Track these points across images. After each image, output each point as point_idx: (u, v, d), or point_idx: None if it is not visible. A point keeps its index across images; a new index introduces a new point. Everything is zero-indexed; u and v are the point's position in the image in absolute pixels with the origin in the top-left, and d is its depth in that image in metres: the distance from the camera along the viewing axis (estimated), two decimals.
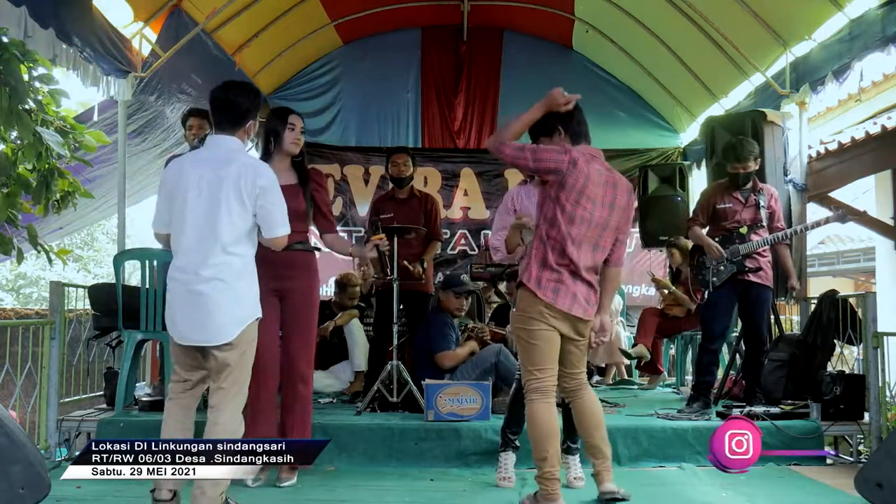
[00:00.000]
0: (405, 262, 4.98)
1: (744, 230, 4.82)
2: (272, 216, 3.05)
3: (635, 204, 3.41)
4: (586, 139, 3.33)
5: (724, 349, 6.36)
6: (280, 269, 3.62)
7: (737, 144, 4.91)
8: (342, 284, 6.08)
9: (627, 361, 6.92)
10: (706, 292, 4.97)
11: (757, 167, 4.90)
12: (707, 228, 4.99)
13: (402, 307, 5.03)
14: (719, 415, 4.65)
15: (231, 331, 2.96)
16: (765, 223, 4.85)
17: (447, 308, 5.07)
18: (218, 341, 2.96)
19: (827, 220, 4.97)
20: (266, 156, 3.74)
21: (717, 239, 4.88)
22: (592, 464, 3.37)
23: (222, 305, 2.95)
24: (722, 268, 4.83)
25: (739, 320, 5.20)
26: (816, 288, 6.58)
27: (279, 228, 3.07)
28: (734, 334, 5.71)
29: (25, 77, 4.08)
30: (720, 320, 4.92)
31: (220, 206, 2.98)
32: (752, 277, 4.80)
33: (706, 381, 4.92)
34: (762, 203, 4.85)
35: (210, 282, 2.95)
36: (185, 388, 3.11)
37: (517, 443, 3.85)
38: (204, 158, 3.10)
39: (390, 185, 5.46)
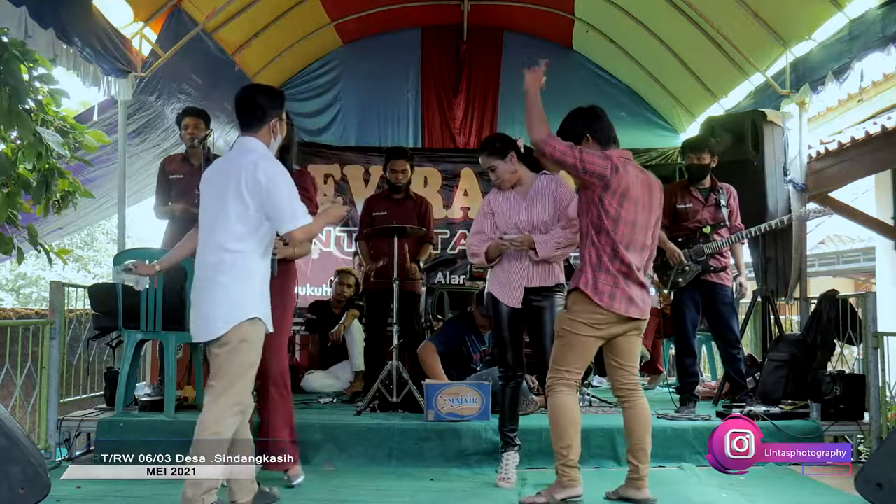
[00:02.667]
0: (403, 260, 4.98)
1: (707, 230, 4.84)
2: (277, 212, 2.98)
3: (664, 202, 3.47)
4: (615, 143, 3.36)
5: (715, 349, 6.37)
6: None
7: (695, 138, 4.98)
8: (340, 272, 6.12)
9: None
10: (671, 293, 4.98)
11: (713, 164, 4.90)
12: (667, 230, 4.97)
13: (392, 307, 5.02)
14: (719, 415, 4.65)
15: (217, 328, 2.94)
16: (727, 222, 4.85)
17: (475, 319, 5.04)
18: (204, 338, 2.98)
19: (791, 220, 4.99)
20: None
21: (680, 239, 4.88)
22: (634, 467, 3.40)
23: (212, 302, 2.96)
24: (687, 268, 4.83)
25: (707, 321, 5.19)
26: (816, 288, 6.57)
27: (286, 223, 2.98)
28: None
29: (25, 77, 4.07)
30: (691, 319, 4.93)
31: (222, 206, 2.99)
32: (714, 278, 4.83)
33: (691, 382, 4.95)
34: (722, 202, 4.86)
35: (205, 279, 2.99)
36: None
37: (517, 441, 3.85)
38: (226, 159, 3.15)
39: (387, 185, 5.46)
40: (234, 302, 2.97)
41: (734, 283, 4.97)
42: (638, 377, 3.49)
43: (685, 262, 4.81)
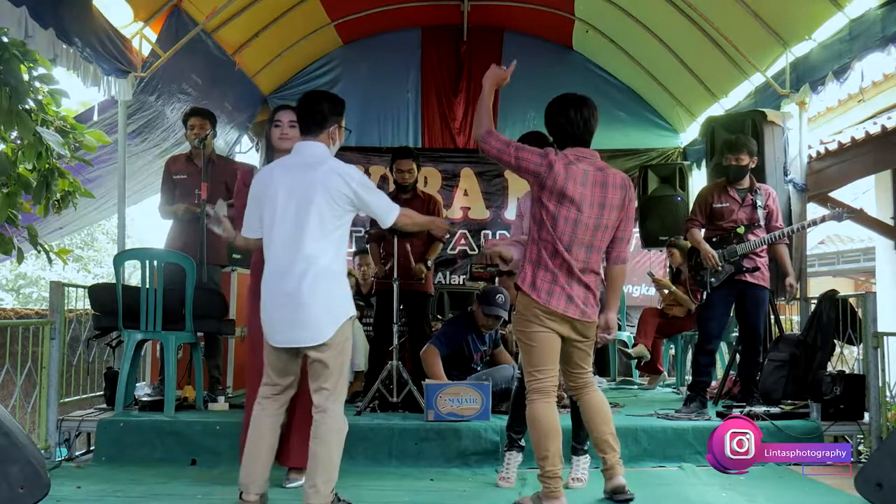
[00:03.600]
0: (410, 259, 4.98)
1: (741, 230, 4.82)
2: (377, 209, 3.18)
3: (635, 201, 3.40)
4: (579, 141, 3.28)
5: (724, 349, 6.38)
6: None
7: (733, 138, 4.96)
8: None
9: None
10: (704, 293, 4.97)
11: (752, 164, 4.89)
12: (704, 229, 4.98)
13: (401, 307, 5.02)
14: (719, 415, 4.65)
15: (327, 331, 3.02)
16: (762, 223, 4.85)
17: (477, 319, 5.04)
18: (314, 341, 3.02)
19: (823, 219, 4.98)
20: (269, 154, 3.74)
21: (714, 238, 4.88)
22: (602, 459, 3.37)
23: (316, 306, 3.02)
24: (720, 268, 4.82)
25: (737, 321, 5.19)
26: (816, 288, 6.57)
27: (388, 216, 3.20)
28: (734, 334, 5.71)
29: (25, 77, 4.08)
30: (718, 321, 4.92)
31: (309, 210, 3.04)
32: (749, 278, 4.79)
33: (703, 382, 4.92)
34: (759, 203, 4.85)
35: (303, 283, 3.01)
36: (273, 391, 3.17)
37: (522, 442, 3.85)
38: (293, 164, 3.18)
39: (392, 185, 5.45)
40: (336, 303, 3.07)
41: (785, 283, 4.93)
42: (590, 375, 3.41)
43: (719, 263, 4.80)
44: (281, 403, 3.20)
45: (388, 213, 3.20)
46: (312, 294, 3.01)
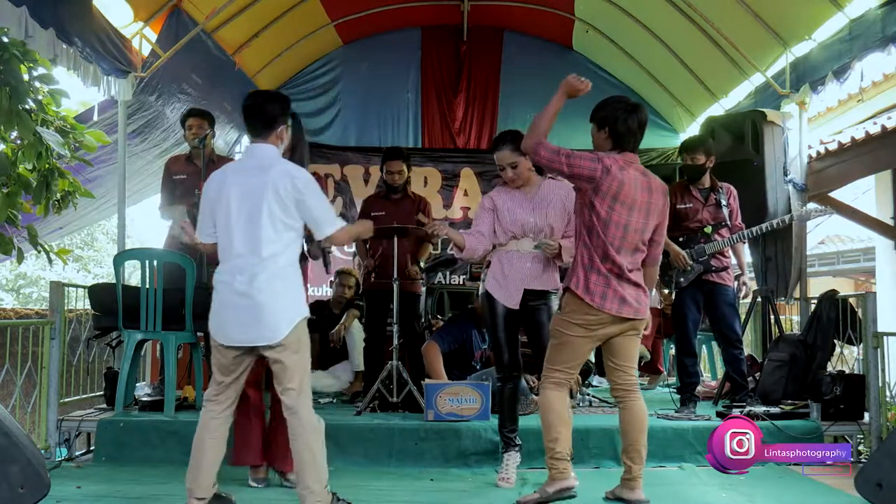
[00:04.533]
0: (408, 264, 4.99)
1: (708, 230, 4.86)
2: (317, 216, 3.12)
3: (668, 205, 3.47)
4: (629, 147, 3.33)
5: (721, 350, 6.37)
6: None
7: (690, 139, 5.01)
8: (340, 272, 6.12)
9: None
10: (673, 293, 4.99)
11: (710, 164, 4.91)
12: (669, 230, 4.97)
13: (391, 307, 5.02)
14: (719, 415, 4.65)
15: (280, 330, 3.03)
16: (728, 222, 4.87)
17: (479, 313, 5.05)
18: (269, 341, 3.03)
19: (792, 219, 5.02)
20: None
21: (681, 239, 4.89)
22: (628, 467, 3.39)
23: (269, 306, 3.02)
24: (689, 268, 4.84)
25: (710, 323, 5.19)
26: (816, 288, 6.57)
27: (326, 227, 3.13)
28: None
29: (25, 77, 4.08)
30: (692, 319, 4.93)
31: (261, 212, 3.04)
32: (715, 278, 4.84)
33: (692, 382, 4.95)
34: (723, 202, 4.87)
35: (256, 284, 3.02)
36: (215, 392, 3.18)
37: (518, 441, 3.85)
38: (245, 167, 3.19)
39: (384, 185, 5.45)
40: (290, 303, 3.08)
41: (737, 283, 4.97)
42: (636, 377, 3.49)
43: (689, 263, 4.81)
44: (225, 405, 3.17)
45: (329, 224, 3.14)
46: (266, 294, 3.02)
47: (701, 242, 4.85)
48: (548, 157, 3.25)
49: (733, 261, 5.01)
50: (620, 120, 3.30)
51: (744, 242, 5.04)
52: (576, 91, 3.30)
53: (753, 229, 4.93)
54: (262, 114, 3.18)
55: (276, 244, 3.05)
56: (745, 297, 5.29)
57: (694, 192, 4.91)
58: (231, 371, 3.14)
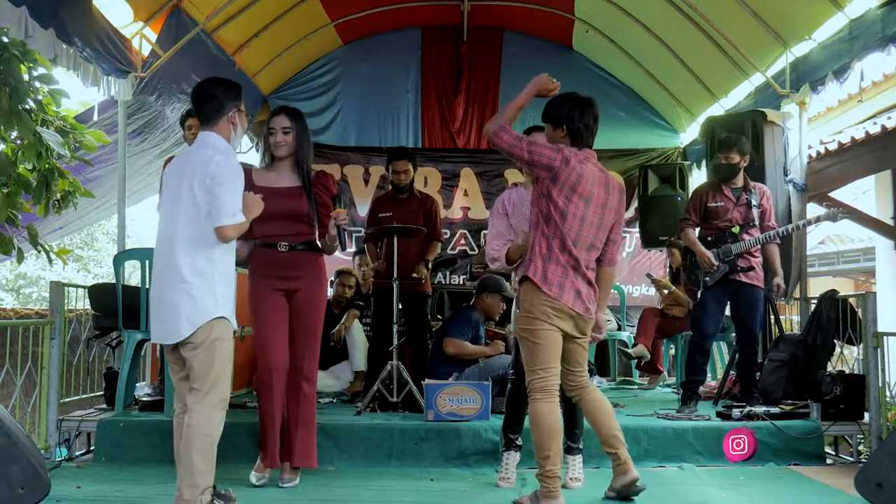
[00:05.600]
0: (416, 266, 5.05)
1: (736, 229, 4.84)
2: (217, 204, 2.93)
3: (625, 204, 3.46)
4: (586, 143, 3.36)
5: (724, 349, 6.38)
6: (286, 269, 3.65)
7: (724, 137, 4.99)
8: (340, 272, 6.12)
9: None
10: (699, 292, 4.98)
11: (744, 163, 4.91)
12: (699, 228, 4.99)
13: (400, 307, 5.03)
14: (719, 415, 4.65)
15: (184, 329, 2.92)
16: (756, 222, 4.86)
17: (485, 308, 5.10)
18: (173, 339, 2.96)
19: (819, 219, 4.99)
20: (270, 161, 3.76)
21: (709, 238, 4.89)
22: (614, 455, 3.36)
23: (177, 304, 2.93)
24: (715, 268, 4.83)
25: (732, 321, 5.20)
26: (816, 288, 6.57)
27: (222, 218, 2.92)
28: (734, 334, 5.69)
29: (25, 77, 4.08)
30: (713, 319, 4.92)
31: (179, 203, 2.98)
32: (742, 278, 4.82)
33: (698, 381, 4.94)
34: (754, 202, 4.87)
35: (168, 280, 2.96)
36: (178, 392, 3.12)
37: (519, 442, 3.85)
38: (189, 154, 3.13)
39: (390, 185, 5.46)
40: (200, 302, 2.94)
41: (773, 283, 4.93)
42: (586, 375, 3.43)
43: (715, 264, 4.81)
44: (184, 402, 3.03)
45: (228, 216, 2.93)
46: (176, 291, 2.93)
47: (728, 242, 4.84)
48: (509, 142, 3.26)
49: (760, 260, 4.92)
50: (577, 117, 3.33)
51: (777, 242, 4.96)
52: (546, 91, 3.34)
53: (782, 229, 4.92)
54: (209, 100, 3.09)
55: (194, 237, 2.93)
56: (782, 297, 5.24)
57: (726, 191, 4.90)
58: (174, 371, 3.07)
